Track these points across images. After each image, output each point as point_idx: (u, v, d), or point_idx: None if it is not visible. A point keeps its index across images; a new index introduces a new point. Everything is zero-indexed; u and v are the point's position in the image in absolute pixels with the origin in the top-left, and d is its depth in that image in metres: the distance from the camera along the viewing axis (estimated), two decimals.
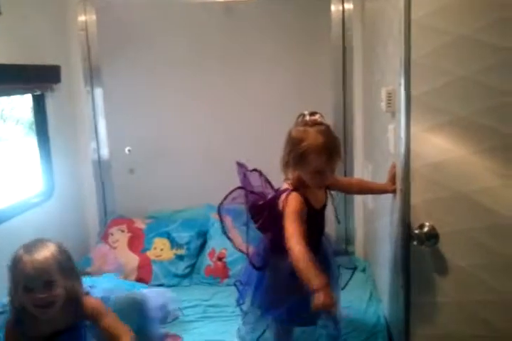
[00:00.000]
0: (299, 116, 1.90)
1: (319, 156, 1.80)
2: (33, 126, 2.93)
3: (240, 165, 2.05)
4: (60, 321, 1.80)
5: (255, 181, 2.01)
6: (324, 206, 2.01)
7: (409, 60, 1.59)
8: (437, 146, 1.61)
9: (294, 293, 1.94)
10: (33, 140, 2.94)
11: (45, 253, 1.71)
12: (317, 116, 1.88)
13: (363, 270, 2.90)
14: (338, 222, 2.21)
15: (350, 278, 2.06)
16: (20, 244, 1.78)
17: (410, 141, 1.63)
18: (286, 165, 1.90)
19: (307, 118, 1.87)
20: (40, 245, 1.75)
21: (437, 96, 1.58)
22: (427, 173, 1.63)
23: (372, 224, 2.78)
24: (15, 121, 3.15)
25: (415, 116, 1.61)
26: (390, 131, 2.00)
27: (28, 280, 1.69)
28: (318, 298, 1.59)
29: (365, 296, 2.59)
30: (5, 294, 1.82)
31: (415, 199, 1.65)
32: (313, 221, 1.91)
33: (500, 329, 1.69)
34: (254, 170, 2.00)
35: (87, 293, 1.87)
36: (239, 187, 1.99)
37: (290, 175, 1.92)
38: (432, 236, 1.62)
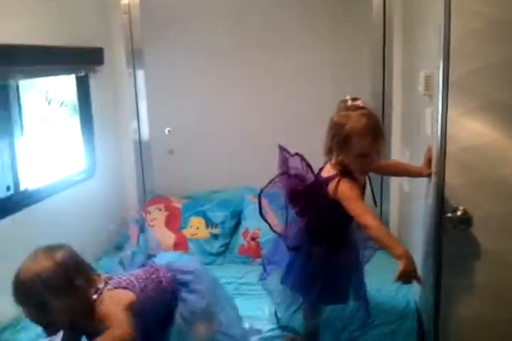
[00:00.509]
0: (341, 101, 1.89)
1: (363, 138, 1.79)
2: (77, 108, 3.02)
3: (282, 148, 2.05)
4: (79, 328, 1.69)
5: (296, 165, 1.99)
6: (363, 189, 2.00)
7: (449, 42, 1.57)
8: (474, 130, 1.59)
9: (325, 275, 1.98)
10: (76, 121, 3.04)
11: (30, 274, 1.55)
12: (359, 102, 1.86)
13: None
14: (375, 205, 2.20)
15: (371, 256, 2.07)
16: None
17: (447, 125, 1.62)
18: (329, 151, 1.89)
19: (349, 103, 1.86)
20: (31, 261, 1.58)
21: (475, 80, 1.56)
22: (463, 157, 1.62)
23: (408, 207, 2.77)
24: (59, 103, 3.24)
25: (453, 99, 1.60)
26: (428, 114, 1.99)
27: (18, 300, 1.57)
28: (402, 265, 1.67)
29: None
30: None
31: (450, 183, 1.64)
32: None
33: None
34: (296, 154, 1.98)
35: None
36: (282, 173, 1.99)
37: (334, 161, 1.90)
38: (465, 220, 1.62)
